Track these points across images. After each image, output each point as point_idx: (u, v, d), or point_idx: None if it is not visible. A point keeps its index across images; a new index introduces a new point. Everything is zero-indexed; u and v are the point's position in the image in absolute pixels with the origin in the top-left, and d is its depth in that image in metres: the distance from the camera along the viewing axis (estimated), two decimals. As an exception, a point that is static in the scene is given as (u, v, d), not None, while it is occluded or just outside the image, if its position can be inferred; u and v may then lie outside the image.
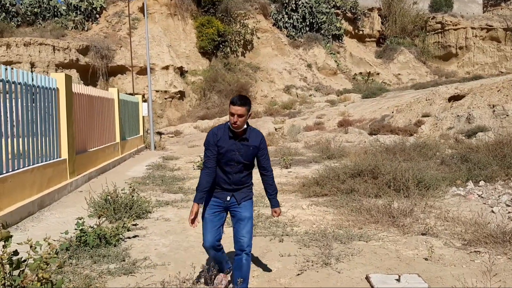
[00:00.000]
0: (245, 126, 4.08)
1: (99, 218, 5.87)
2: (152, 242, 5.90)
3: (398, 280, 4.31)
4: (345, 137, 18.80)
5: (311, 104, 32.02)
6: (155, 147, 19.29)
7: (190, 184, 10.49)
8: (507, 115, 15.38)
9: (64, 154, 9.37)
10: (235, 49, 37.57)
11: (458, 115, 17.18)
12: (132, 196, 7.38)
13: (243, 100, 3.99)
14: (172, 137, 24.94)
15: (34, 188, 7.64)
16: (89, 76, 28.83)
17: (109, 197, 7.16)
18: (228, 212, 4.25)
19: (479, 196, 8.33)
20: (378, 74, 43.11)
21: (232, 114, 3.95)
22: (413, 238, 5.93)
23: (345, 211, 7.42)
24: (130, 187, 7.42)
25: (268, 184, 4.30)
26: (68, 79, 9.65)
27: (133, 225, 6.26)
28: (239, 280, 4.03)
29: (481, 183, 9.30)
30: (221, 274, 4.37)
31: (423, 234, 6.07)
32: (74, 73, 27.81)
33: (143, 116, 19.86)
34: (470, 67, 46.10)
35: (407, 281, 4.32)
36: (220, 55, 36.22)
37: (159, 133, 25.28)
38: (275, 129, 24.61)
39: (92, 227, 5.80)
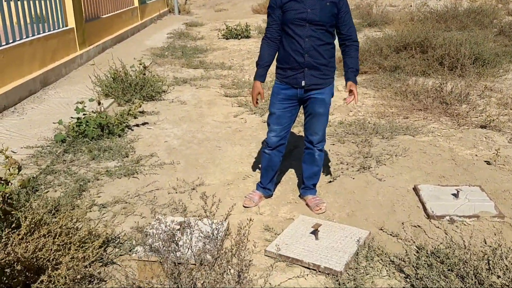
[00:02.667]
0: None
1: (99, 104, 5.06)
2: (162, 132, 5.12)
3: (456, 195, 3.45)
4: (389, 0, 16.84)
5: (351, -39, 28.84)
6: (179, 11, 17.89)
7: (212, 57, 9.46)
8: None
9: (71, 22, 8.34)
10: None
11: (523, -26, 14.85)
12: (144, 74, 6.49)
13: None
14: (198, -1, 23.19)
15: (35, 63, 6.80)
16: None
17: (117, 76, 6.29)
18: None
19: (548, 76, 7.07)
20: None
21: None
22: (471, 132, 4.95)
23: (388, 94, 6.38)
24: (141, 64, 6.49)
25: (349, 55, 3.22)
26: None
27: (141, 112, 5.45)
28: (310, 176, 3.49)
29: (550, 59, 7.93)
30: (257, 192, 3.58)
31: (482, 127, 5.07)
32: None
33: (165, -24, 18.11)
34: None
35: (466, 197, 3.46)
36: None
37: (185, -5, 23.49)
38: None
39: (95, 112, 5.04)
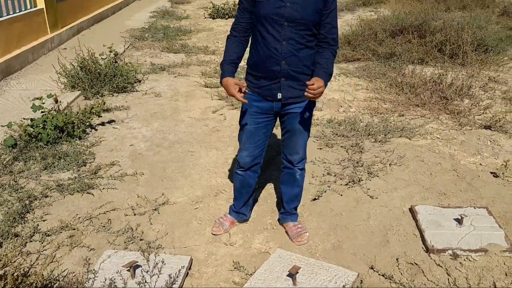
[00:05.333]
0: None
1: (56, 102, 4.49)
2: (129, 132, 4.57)
3: (459, 221, 2.95)
4: (385, -24, 16.08)
5: None
6: (166, -13, 17.02)
7: (196, 39, 8.83)
8: None
9: (40, 2, 7.66)
10: None
11: (526, -50, 14.11)
12: (115, 62, 5.90)
13: None
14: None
15: (-4, 50, 6.18)
16: None
17: (85, 65, 5.68)
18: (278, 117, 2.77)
19: (555, 65, 6.54)
20: None
21: None
22: (474, 134, 4.44)
23: (382, 85, 5.84)
24: (111, 51, 5.88)
25: (323, 56, 2.54)
26: None
27: (105, 110, 4.88)
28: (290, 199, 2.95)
29: (557, 44, 7.38)
30: (229, 216, 3.06)
31: (486, 128, 4.56)
32: None
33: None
34: None
35: (472, 223, 2.97)
36: None
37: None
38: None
39: (55, 110, 4.50)
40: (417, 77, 5.79)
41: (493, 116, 4.61)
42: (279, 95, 2.57)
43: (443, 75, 5.63)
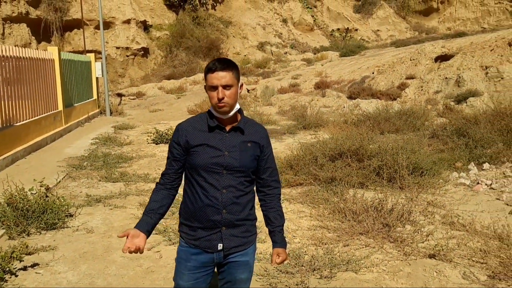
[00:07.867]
0: (237, 107, 2.41)
1: (-30, 248, 4.06)
2: (53, 278, 4.14)
3: None
4: (322, 101, 17.12)
5: (286, 63, 30.06)
6: (111, 112, 17.23)
7: (137, 167, 8.68)
8: (501, 78, 13.84)
9: (-28, 134, 7.39)
10: (204, 1, 34.89)
11: (446, 78, 15.60)
12: (46, 197, 5.57)
13: (227, 62, 2.35)
14: (133, 99, 22.79)
15: None
16: (41, 31, 26.03)
17: (12, 202, 5.31)
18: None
19: (487, 186, 6.79)
20: (356, 30, 41.13)
21: (213, 88, 2.32)
22: (419, 264, 4.34)
23: (325, 212, 5.78)
24: (42, 186, 5.58)
25: (271, 207, 2.55)
26: (-26, 38, 7.52)
27: (27, 253, 4.46)
28: None
29: (486, 165, 7.77)
30: None
31: (431, 257, 4.48)
32: (24, 28, 25.04)
33: (96, 78, 17.63)
34: (451, 22, 44.36)
35: None
36: (188, 7, 33.51)
37: (120, 95, 23.10)
38: (247, 90, 22.70)
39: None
40: (358, 203, 5.78)
41: (436, 245, 4.56)
42: (220, 246, 2.39)
43: (383, 200, 5.66)
